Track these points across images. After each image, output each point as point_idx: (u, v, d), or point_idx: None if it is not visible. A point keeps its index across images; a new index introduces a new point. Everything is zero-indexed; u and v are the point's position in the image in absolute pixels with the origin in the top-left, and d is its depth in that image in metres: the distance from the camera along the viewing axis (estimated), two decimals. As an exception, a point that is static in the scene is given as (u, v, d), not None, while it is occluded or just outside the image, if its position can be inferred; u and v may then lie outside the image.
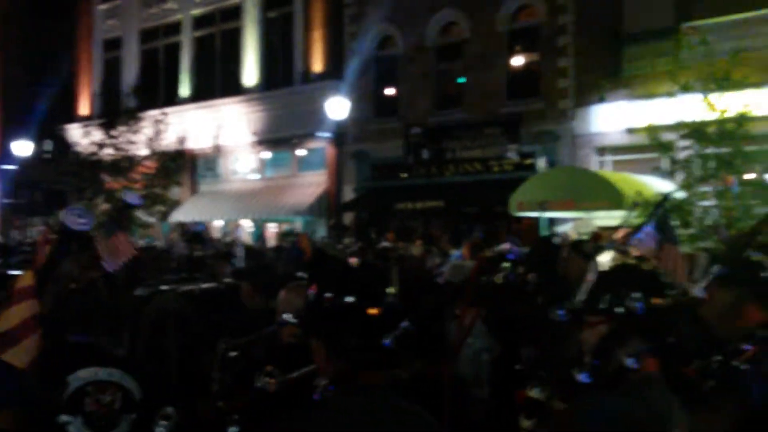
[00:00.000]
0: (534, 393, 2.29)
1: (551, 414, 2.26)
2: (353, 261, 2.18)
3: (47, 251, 4.13)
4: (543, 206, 12.91)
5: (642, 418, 2.15)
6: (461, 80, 18.41)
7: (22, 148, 25.34)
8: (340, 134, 19.31)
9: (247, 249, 8.14)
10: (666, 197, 5.61)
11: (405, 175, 18.80)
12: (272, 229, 22.90)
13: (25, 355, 2.70)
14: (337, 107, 18.40)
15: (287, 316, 2.31)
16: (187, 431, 2.23)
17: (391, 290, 2.36)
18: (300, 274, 6.08)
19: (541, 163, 16.09)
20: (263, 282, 4.94)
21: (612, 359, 2.21)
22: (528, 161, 16.53)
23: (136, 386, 3.36)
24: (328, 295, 2.26)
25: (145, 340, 5.18)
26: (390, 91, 19.71)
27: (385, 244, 11.58)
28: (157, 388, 3.73)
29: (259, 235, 16.77)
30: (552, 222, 14.67)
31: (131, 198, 4.93)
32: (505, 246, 2.08)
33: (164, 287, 5.39)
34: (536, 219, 14.18)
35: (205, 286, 5.32)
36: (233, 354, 3.77)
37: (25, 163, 26.00)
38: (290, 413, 2.05)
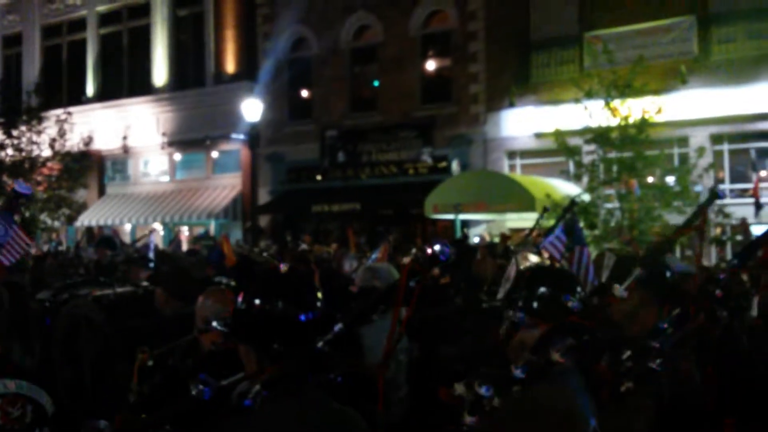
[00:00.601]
0: (460, 390, 2.37)
1: (485, 409, 2.35)
2: (282, 267, 2.19)
3: None
4: (457, 208, 13.19)
5: (567, 410, 2.26)
6: (376, 83, 18.56)
7: None
8: (255, 136, 19.09)
9: (160, 253, 7.93)
10: (573, 202, 5.87)
11: (320, 177, 18.78)
12: (185, 232, 22.40)
13: None
14: (252, 109, 18.19)
15: (216, 324, 2.30)
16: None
17: (318, 295, 2.39)
18: (219, 278, 5.99)
19: (455, 166, 16.42)
20: (178, 287, 4.83)
21: (544, 355, 2.33)
22: (442, 164, 16.83)
23: (48, 399, 3.25)
24: (257, 301, 2.28)
25: (58, 348, 4.98)
26: (305, 94, 19.65)
27: (303, 246, 11.53)
28: (71, 399, 3.61)
29: (172, 239, 16.36)
30: (466, 224, 14.99)
31: (21, 187, 4.72)
32: (437, 247, 2.14)
33: (80, 292, 5.20)
34: (451, 221, 14.45)
35: (119, 290, 5.16)
36: (150, 363, 3.69)
37: None
38: (225, 421, 2.05)
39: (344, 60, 18.78)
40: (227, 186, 20.31)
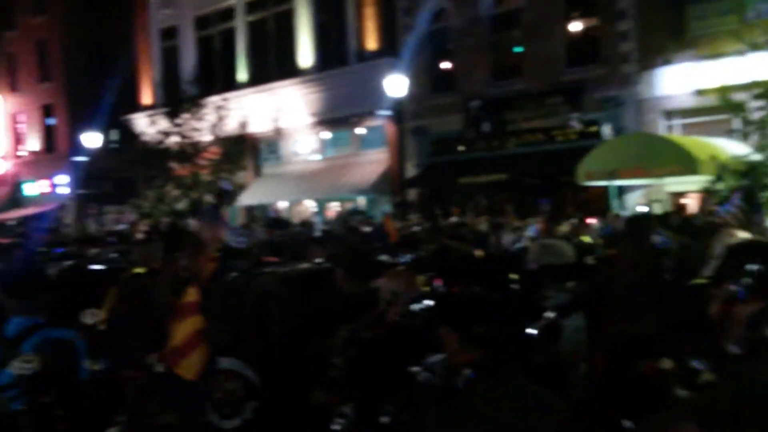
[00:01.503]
0: (667, 364, 2.37)
1: (699, 384, 2.34)
2: (478, 253, 2.26)
3: (210, 268, 4.34)
4: (613, 175, 12.74)
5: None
6: (518, 50, 18.18)
7: (91, 139, 26.15)
8: (399, 111, 19.32)
9: (328, 232, 8.27)
10: (754, 167, 5.56)
11: (463, 148, 18.74)
12: (334, 208, 23.20)
13: (193, 367, 2.90)
14: (395, 84, 18.41)
15: (418, 306, 2.44)
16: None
17: (514, 277, 2.47)
18: (385, 257, 6.18)
19: (606, 130, 15.83)
20: (356, 267, 5.04)
21: (760, 332, 2.28)
22: (592, 129, 16.28)
23: (255, 375, 3.58)
24: (456, 286, 2.39)
25: (247, 324, 5.39)
26: (446, 65, 19.59)
27: (453, 219, 11.64)
28: (264, 375, 3.93)
29: (341, 218, 16.92)
30: (621, 190, 14.46)
31: (225, 184, 5.15)
32: (657, 237, 2.12)
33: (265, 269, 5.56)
34: (604, 188, 14.00)
35: (301, 267, 5.47)
36: (346, 337, 3.93)
37: (94, 154, 26.85)
38: (438, 402, 2.18)
39: (485, 28, 18.51)
40: (374, 161, 20.75)
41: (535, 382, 2.30)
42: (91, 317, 2.63)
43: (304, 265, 5.50)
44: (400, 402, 2.41)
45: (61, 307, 3.69)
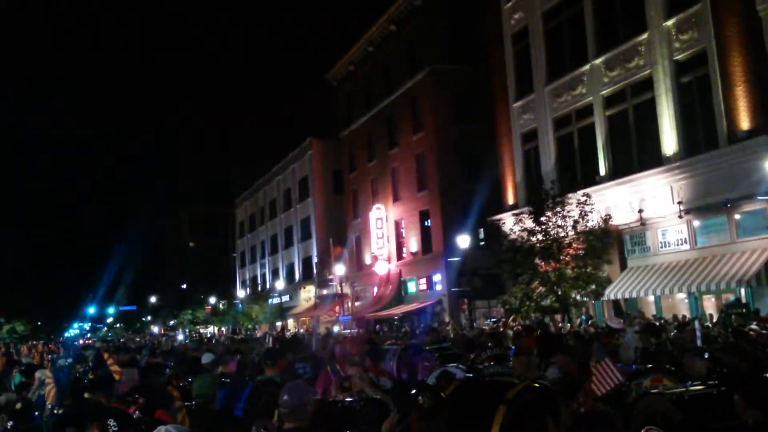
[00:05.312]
0: None
1: None
2: None
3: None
4: None
5: None
6: None
7: (463, 240, 28.32)
8: (784, 193, 17.47)
9: (710, 338, 7.66)
10: None
11: None
12: (711, 300, 21.51)
13: None
14: (777, 165, 16.78)
15: None
16: None
17: None
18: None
19: None
20: (757, 394, 4.52)
21: None
22: None
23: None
24: None
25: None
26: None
27: None
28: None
29: (722, 315, 15.70)
30: None
31: (613, 323, 5.21)
32: None
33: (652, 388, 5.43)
34: None
35: (693, 388, 5.20)
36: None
37: (465, 253, 28.96)
38: None
39: None
40: (756, 249, 18.89)
41: None
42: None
43: (697, 386, 5.18)
44: None
45: (457, 425, 3.93)
